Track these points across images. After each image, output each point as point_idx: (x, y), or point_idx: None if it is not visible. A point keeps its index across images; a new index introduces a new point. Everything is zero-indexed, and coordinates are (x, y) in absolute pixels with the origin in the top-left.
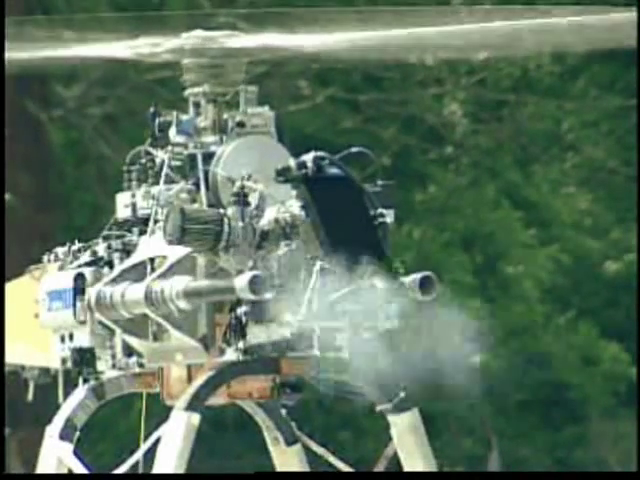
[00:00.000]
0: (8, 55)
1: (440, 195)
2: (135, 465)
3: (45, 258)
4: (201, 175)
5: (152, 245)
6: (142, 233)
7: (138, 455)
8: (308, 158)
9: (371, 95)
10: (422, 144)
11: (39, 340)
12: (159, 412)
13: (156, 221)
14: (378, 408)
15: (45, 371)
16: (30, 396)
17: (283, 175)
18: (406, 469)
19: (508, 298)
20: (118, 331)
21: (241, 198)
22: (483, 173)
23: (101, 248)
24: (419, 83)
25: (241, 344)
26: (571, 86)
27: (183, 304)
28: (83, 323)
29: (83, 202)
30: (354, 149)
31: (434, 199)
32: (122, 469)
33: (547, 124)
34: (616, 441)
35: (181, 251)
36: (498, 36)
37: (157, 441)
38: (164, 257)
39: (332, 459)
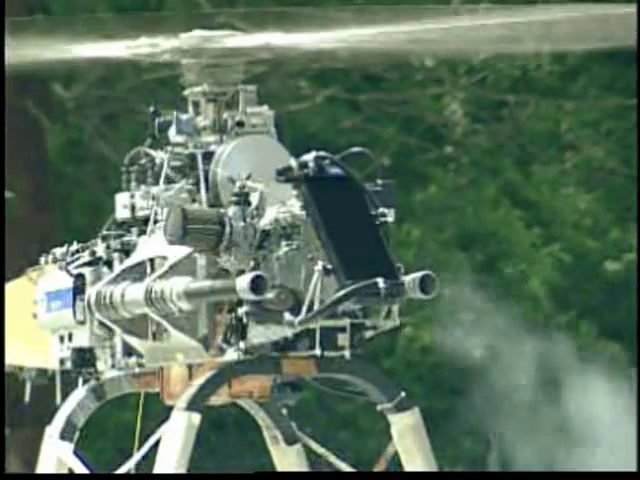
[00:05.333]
0: (8, 55)
1: (440, 195)
2: (134, 465)
3: (42, 260)
4: (201, 175)
5: (152, 245)
6: (141, 233)
7: (138, 455)
8: (309, 158)
9: (371, 95)
10: (422, 144)
11: (37, 341)
12: (160, 411)
13: (156, 221)
14: (379, 407)
15: (42, 372)
16: (27, 397)
17: (284, 175)
18: (406, 469)
19: (508, 298)
20: (118, 331)
21: (242, 198)
22: (483, 173)
23: (100, 248)
24: (419, 83)
25: (242, 344)
26: (571, 86)
27: (184, 304)
28: (83, 323)
29: (82, 202)
30: (354, 149)
31: (434, 199)
32: (123, 469)
33: (547, 124)
34: (616, 441)
35: (181, 251)
36: (498, 35)
37: (157, 441)
38: (164, 257)
39: (332, 459)
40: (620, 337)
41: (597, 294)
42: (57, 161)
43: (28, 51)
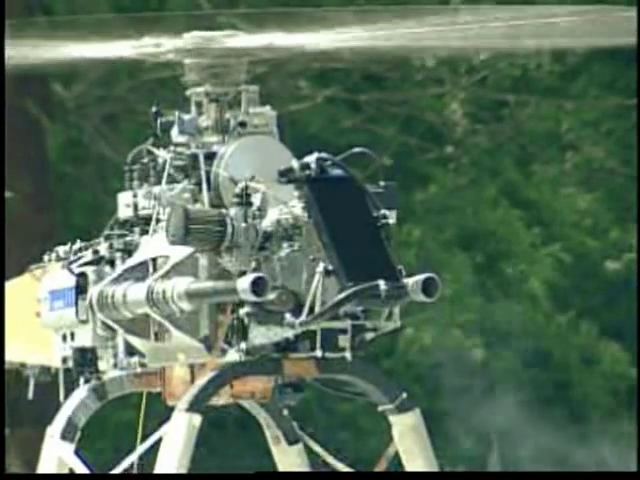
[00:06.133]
0: (8, 55)
1: (440, 195)
2: (132, 465)
3: (46, 257)
4: (203, 175)
5: (154, 245)
6: (144, 233)
7: (135, 455)
8: (311, 159)
9: (371, 95)
10: (422, 144)
11: (40, 339)
12: (161, 411)
13: (158, 221)
14: (380, 408)
15: (46, 369)
16: (30, 394)
17: (286, 176)
18: (407, 469)
19: (508, 298)
20: (120, 331)
21: (244, 199)
22: (483, 173)
23: (103, 247)
24: (419, 83)
25: (243, 345)
26: (571, 86)
27: (185, 305)
28: (85, 322)
29: (83, 202)
30: (356, 149)
31: (434, 199)
32: (121, 468)
33: (547, 124)
34: (616, 441)
35: (183, 251)
36: (498, 35)
37: (158, 441)
38: (166, 257)
39: (332, 459)
40: (620, 337)
41: (597, 294)
42: (57, 161)
43: (29, 51)
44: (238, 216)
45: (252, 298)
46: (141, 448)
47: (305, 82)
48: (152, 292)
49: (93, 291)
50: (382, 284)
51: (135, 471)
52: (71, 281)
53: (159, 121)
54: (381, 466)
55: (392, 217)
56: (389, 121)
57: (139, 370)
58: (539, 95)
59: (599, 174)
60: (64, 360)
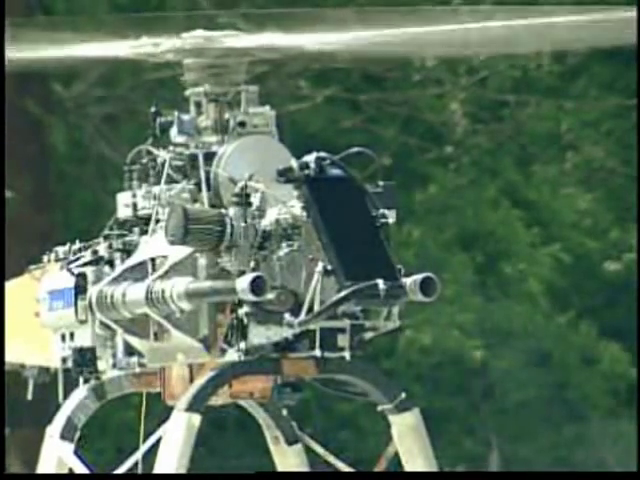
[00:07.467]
0: (8, 54)
1: (440, 195)
2: (135, 465)
3: (45, 258)
4: (202, 175)
5: (153, 245)
6: (143, 233)
7: (138, 455)
8: (310, 159)
9: (371, 95)
10: (422, 144)
11: (39, 339)
12: (160, 411)
13: (157, 221)
14: (379, 408)
15: (45, 370)
16: (29, 395)
17: (285, 175)
18: (407, 469)
19: (508, 298)
20: (119, 331)
21: (243, 198)
22: (483, 173)
23: (102, 248)
24: (419, 83)
25: (242, 344)
26: (571, 86)
27: (184, 304)
28: (84, 322)
29: (83, 202)
30: (355, 149)
31: (434, 199)
32: (122, 469)
33: (547, 124)
34: (616, 441)
35: (182, 251)
36: (498, 36)
37: (158, 441)
38: (165, 257)
39: (332, 459)
40: (620, 337)
41: (597, 294)
42: (58, 161)
43: (29, 51)
44: (237, 216)
45: (251, 298)
46: (142, 449)
47: (305, 82)
48: (151, 292)
49: (92, 291)
50: (381, 283)
51: (138, 472)
52: (70, 281)
53: (158, 121)
54: (381, 466)
55: (391, 217)
56: (389, 121)
57: (138, 370)
58: (539, 95)
59: (599, 174)
60: (63, 360)
